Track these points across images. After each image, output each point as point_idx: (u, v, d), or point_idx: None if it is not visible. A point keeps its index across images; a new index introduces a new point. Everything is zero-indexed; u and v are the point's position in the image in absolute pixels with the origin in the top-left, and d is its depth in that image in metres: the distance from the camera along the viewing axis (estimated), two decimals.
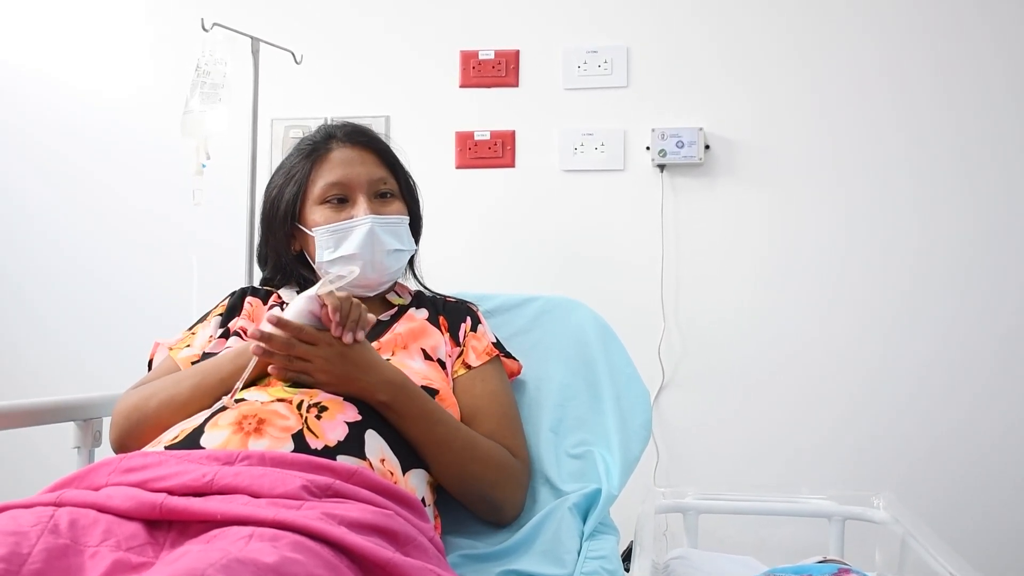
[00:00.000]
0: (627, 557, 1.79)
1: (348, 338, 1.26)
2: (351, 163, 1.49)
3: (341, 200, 1.49)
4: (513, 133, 2.68)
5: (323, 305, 1.27)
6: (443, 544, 1.38)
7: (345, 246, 1.46)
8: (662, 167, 2.56)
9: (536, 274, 2.62)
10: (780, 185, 2.55)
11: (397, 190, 1.54)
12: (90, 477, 1.10)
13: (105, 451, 1.38)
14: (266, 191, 1.57)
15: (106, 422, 1.57)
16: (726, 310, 2.56)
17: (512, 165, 2.68)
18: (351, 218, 1.47)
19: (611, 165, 2.61)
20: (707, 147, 2.55)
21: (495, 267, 2.65)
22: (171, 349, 1.49)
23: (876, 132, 2.53)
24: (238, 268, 2.30)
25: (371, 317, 1.31)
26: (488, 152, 2.68)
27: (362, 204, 1.47)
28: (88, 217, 2.87)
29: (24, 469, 2.50)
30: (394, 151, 1.57)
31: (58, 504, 1.02)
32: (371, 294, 1.53)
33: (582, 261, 2.61)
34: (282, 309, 1.50)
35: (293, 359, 1.26)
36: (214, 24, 2.17)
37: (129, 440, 1.34)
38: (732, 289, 2.56)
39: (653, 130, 2.54)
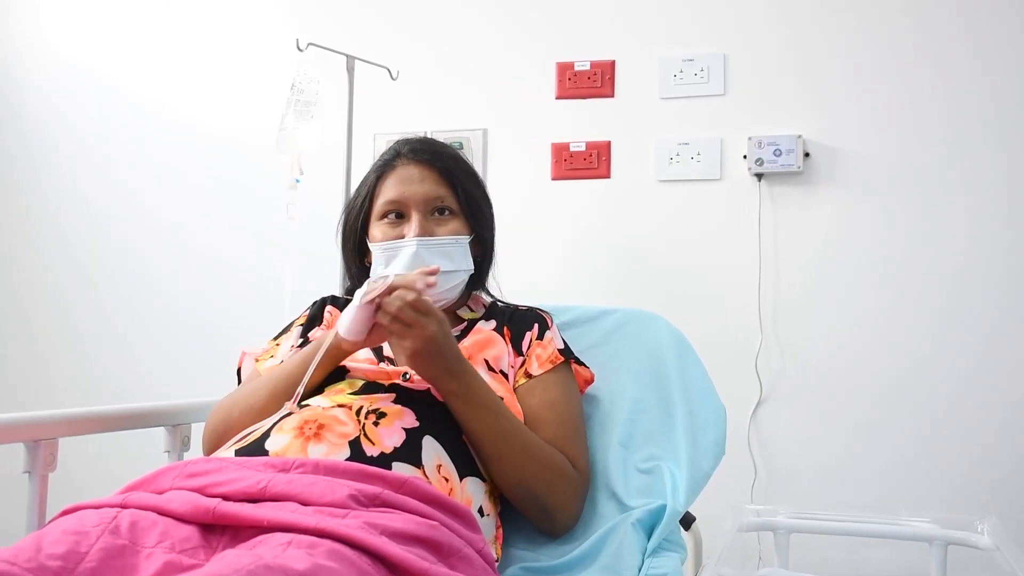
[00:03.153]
0: None
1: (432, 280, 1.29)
2: (410, 181, 1.51)
3: (398, 216, 1.51)
4: (608, 144, 2.67)
5: (378, 307, 1.27)
6: (505, 556, 1.40)
7: (393, 266, 1.47)
8: (759, 176, 2.50)
9: (630, 285, 2.60)
10: (884, 194, 2.45)
11: (456, 208, 1.53)
12: (157, 481, 1.15)
13: (194, 455, 1.44)
14: (348, 202, 1.62)
15: (194, 428, 1.65)
16: (827, 323, 2.47)
17: (607, 176, 2.67)
18: (402, 237, 1.49)
19: (707, 175, 2.57)
20: (807, 155, 2.47)
21: (589, 278, 2.64)
22: (257, 360, 1.55)
23: (986, 140, 2.41)
24: (332, 280, 2.36)
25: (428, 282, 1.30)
26: (584, 163, 2.68)
27: (414, 223, 1.49)
28: (184, 231, 3.01)
29: (120, 469, 2.64)
30: (463, 169, 1.56)
31: (123, 506, 1.07)
32: None
33: (677, 272, 2.58)
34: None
35: (396, 319, 1.25)
36: (309, 44, 2.24)
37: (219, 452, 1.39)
38: (833, 301, 2.47)
39: (750, 138, 2.49)
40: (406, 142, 1.57)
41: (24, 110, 3.17)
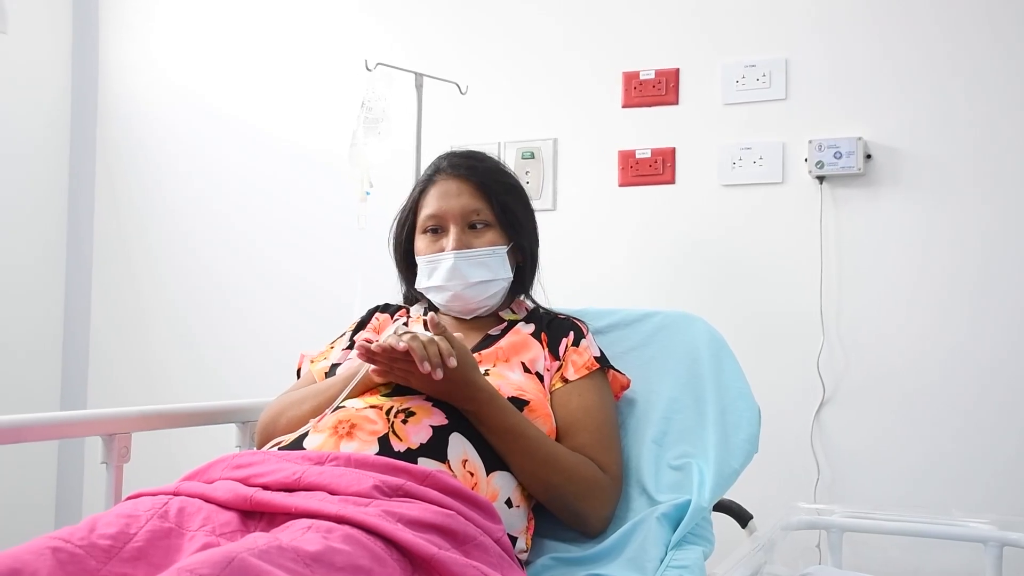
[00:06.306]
0: None
1: (438, 375, 1.30)
2: (447, 195, 1.60)
3: (439, 230, 1.60)
4: (673, 150, 2.71)
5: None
6: (537, 546, 1.48)
7: (435, 277, 1.59)
8: (821, 179, 2.50)
9: (693, 287, 2.63)
10: (949, 195, 2.42)
11: (492, 220, 1.60)
12: (209, 471, 1.27)
13: None
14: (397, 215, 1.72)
15: None
16: (889, 324, 2.46)
17: (672, 181, 2.71)
18: (442, 250, 1.58)
19: (769, 178, 2.59)
20: (868, 156, 2.47)
21: (654, 280, 2.68)
22: (312, 361, 1.68)
23: None
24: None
25: (459, 341, 1.36)
26: (649, 169, 2.73)
27: (452, 237, 1.58)
28: (260, 245, 3.18)
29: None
30: (500, 181, 1.63)
31: (176, 493, 1.19)
32: (467, 318, 1.64)
33: (739, 274, 2.60)
34: (406, 324, 1.65)
35: (394, 370, 1.37)
36: (377, 64, 2.36)
37: None
38: (896, 302, 2.45)
39: (810, 141, 2.50)
40: (446, 156, 1.66)
41: (123, 129, 3.41)
